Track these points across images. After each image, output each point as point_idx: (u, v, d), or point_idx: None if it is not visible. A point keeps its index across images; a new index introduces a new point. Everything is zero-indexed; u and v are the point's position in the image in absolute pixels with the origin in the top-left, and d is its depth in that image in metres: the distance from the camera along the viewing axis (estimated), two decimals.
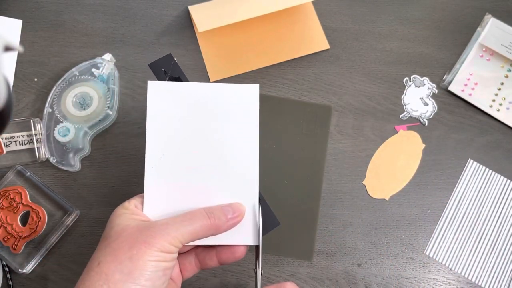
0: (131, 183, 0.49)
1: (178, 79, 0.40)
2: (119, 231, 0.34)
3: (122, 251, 0.33)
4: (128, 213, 0.36)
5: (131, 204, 0.37)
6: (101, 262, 0.33)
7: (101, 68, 0.51)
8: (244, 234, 0.37)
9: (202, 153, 0.38)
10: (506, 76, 0.54)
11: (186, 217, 0.35)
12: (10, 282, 0.46)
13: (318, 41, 0.55)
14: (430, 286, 0.48)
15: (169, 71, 0.40)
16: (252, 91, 0.39)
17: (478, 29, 0.55)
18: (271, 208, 0.39)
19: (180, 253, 0.38)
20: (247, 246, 0.38)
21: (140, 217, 0.36)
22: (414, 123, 0.53)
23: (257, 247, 0.37)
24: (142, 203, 0.37)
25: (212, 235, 0.36)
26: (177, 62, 0.40)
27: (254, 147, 0.38)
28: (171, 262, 0.34)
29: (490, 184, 0.51)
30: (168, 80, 0.39)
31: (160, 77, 0.40)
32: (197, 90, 0.38)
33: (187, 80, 0.40)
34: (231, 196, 0.38)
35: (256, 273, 0.37)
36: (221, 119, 0.38)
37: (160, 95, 0.38)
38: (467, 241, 0.50)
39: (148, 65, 0.40)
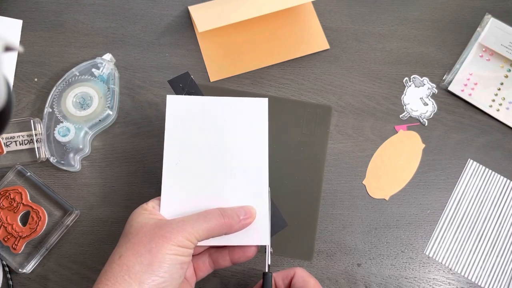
0: (131, 183, 0.49)
1: (194, 93, 0.44)
2: (138, 228, 0.36)
3: (142, 244, 0.35)
4: (146, 213, 0.38)
5: (149, 205, 0.39)
6: (122, 256, 0.35)
7: (101, 68, 0.51)
8: (255, 235, 0.40)
9: (216, 161, 0.41)
10: (506, 76, 0.54)
11: (202, 215, 0.37)
12: (10, 282, 0.46)
13: (318, 41, 0.55)
14: (430, 286, 0.48)
15: (186, 87, 0.44)
16: (262, 104, 0.42)
17: (478, 29, 0.56)
18: (279, 210, 0.42)
19: (194, 255, 0.40)
20: (258, 246, 0.40)
21: (157, 216, 0.38)
22: (414, 123, 0.53)
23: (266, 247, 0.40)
24: (159, 205, 0.40)
25: (225, 234, 0.38)
26: (193, 79, 0.44)
27: (263, 154, 0.41)
28: (187, 257, 0.36)
29: (489, 184, 0.51)
30: (185, 95, 0.43)
31: (177, 92, 0.44)
32: (211, 103, 0.42)
33: (202, 95, 0.44)
34: (243, 200, 0.40)
35: (264, 274, 0.39)
36: (233, 129, 0.41)
37: (178, 107, 0.42)
38: (467, 241, 0.50)
39: (168, 81, 0.44)
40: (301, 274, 0.39)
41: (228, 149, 0.41)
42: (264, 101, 0.42)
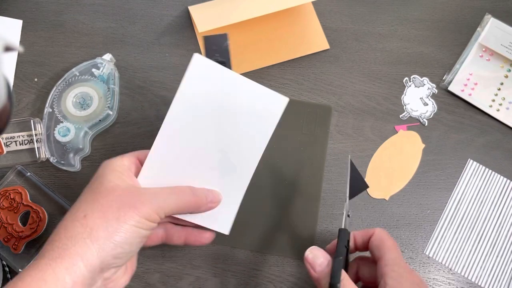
0: None
1: (223, 63, 0.39)
2: (109, 188, 0.35)
3: (111, 210, 0.33)
4: (119, 172, 0.36)
5: (125, 163, 0.38)
6: (87, 216, 0.33)
7: (101, 68, 0.51)
8: (219, 220, 0.40)
9: (213, 141, 0.39)
10: (506, 76, 0.54)
11: (174, 190, 0.37)
12: None
13: (318, 41, 0.55)
14: (430, 286, 0.48)
15: (219, 51, 0.40)
16: (281, 101, 0.39)
17: (478, 29, 0.56)
18: (360, 174, 0.44)
19: None
20: (213, 234, 0.41)
21: (130, 180, 0.37)
22: (414, 123, 0.53)
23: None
24: (135, 166, 0.38)
25: (191, 213, 0.38)
26: (229, 45, 0.40)
27: (259, 149, 0.40)
28: (150, 231, 0.35)
29: (489, 184, 0.51)
30: (214, 60, 0.39)
31: (209, 54, 0.40)
32: (233, 79, 0.39)
33: (229, 67, 0.40)
34: (219, 186, 0.40)
35: (340, 230, 0.39)
36: (243, 114, 0.39)
37: (201, 72, 0.38)
38: (467, 241, 0.50)
39: (204, 37, 0.40)
40: (379, 233, 0.39)
41: (229, 133, 0.39)
42: (284, 100, 0.40)
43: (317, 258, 0.37)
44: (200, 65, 0.38)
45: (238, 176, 0.40)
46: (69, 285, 0.31)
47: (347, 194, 0.41)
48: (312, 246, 0.39)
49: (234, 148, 0.39)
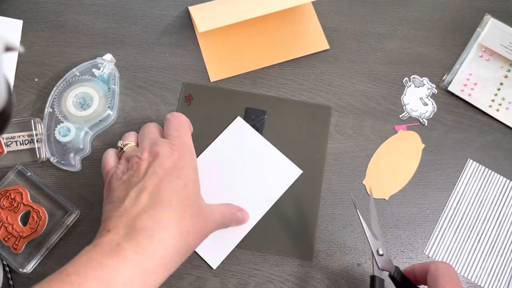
0: None
1: (256, 128, 0.50)
2: (200, 207, 0.39)
3: (200, 231, 0.38)
4: (198, 180, 0.41)
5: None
6: (190, 233, 0.36)
7: (102, 68, 0.51)
8: (213, 256, 0.47)
9: (233, 181, 0.49)
10: (506, 76, 0.54)
11: (227, 212, 0.43)
12: (11, 282, 0.46)
13: (318, 41, 0.55)
14: None
15: (255, 120, 0.50)
16: (295, 172, 0.49)
17: (478, 29, 0.56)
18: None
19: None
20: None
21: (199, 191, 0.40)
22: (413, 123, 0.53)
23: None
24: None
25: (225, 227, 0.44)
26: (265, 120, 0.50)
27: (267, 204, 0.49)
28: None
29: (489, 184, 0.51)
30: (250, 125, 0.50)
31: (247, 118, 0.51)
32: (261, 142, 0.50)
33: (260, 134, 0.51)
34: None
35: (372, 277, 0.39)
36: (263, 171, 0.49)
37: (238, 129, 0.50)
38: (467, 241, 0.50)
39: (246, 108, 0.51)
40: (433, 272, 0.36)
41: (247, 181, 0.49)
42: (298, 172, 0.49)
43: None
44: (239, 124, 0.50)
45: (250, 215, 0.48)
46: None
47: (368, 231, 0.40)
48: None
49: (247, 195, 0.48)
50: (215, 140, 0.49)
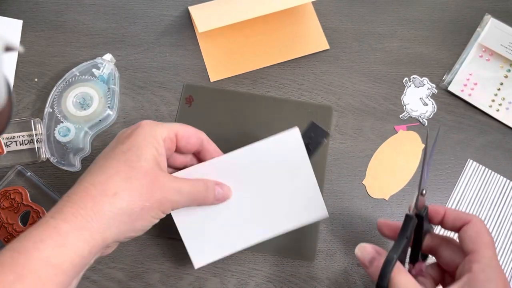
0: None
1: (308, 148, 0.42)
2: (144, 170, 0.35)
3: (140, 197, 0.34)
4: (157, 148, 0.36)
5: (164, 133, 0.37)
6: (118, 195, 0.33)
7: (102, 68, 0.51)
8: (200, 255, 0.42)
9: (257, 191, 0.42)
10: (506, 76, 0.54)
11: (193, 189, 0.38)
12: None
13: (318, 42, 0.55)
14: None
15: (312, 139, 0.43)
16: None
17: (478, 29, 0.56)
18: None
19: None
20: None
21: (163, 163, 0.37)
22: (413, 123, 0.53)
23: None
24: (171, 141, 0.38)
25: (198, 205, 0.40)
26: (323, 143, 0.43)
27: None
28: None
29: (489, 184, 0.51)
30: (304, 143, 0.42)
31: (305, 134, 0.42)
32: (304, 165, 0.42)
33: (310, 157, 0.42)
34: (235, 227, 0.42)
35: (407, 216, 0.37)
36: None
37: (288, 141, 0.41)
38: None
39: (311, 122, 0.43)
40: (476, 224, 0.35)
41: (273, 195, 0.42)
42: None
43: (367, 254, 0.37)
44: (294, 136, 0.41)
45: (252, 232, 0.42)
46: (86, 255, 0.32)
47: (426, 169, 0.38)
48: (360, 243, 0.37)
49: (260, 211, 0.42)
50: (257, 142, 0.41)
